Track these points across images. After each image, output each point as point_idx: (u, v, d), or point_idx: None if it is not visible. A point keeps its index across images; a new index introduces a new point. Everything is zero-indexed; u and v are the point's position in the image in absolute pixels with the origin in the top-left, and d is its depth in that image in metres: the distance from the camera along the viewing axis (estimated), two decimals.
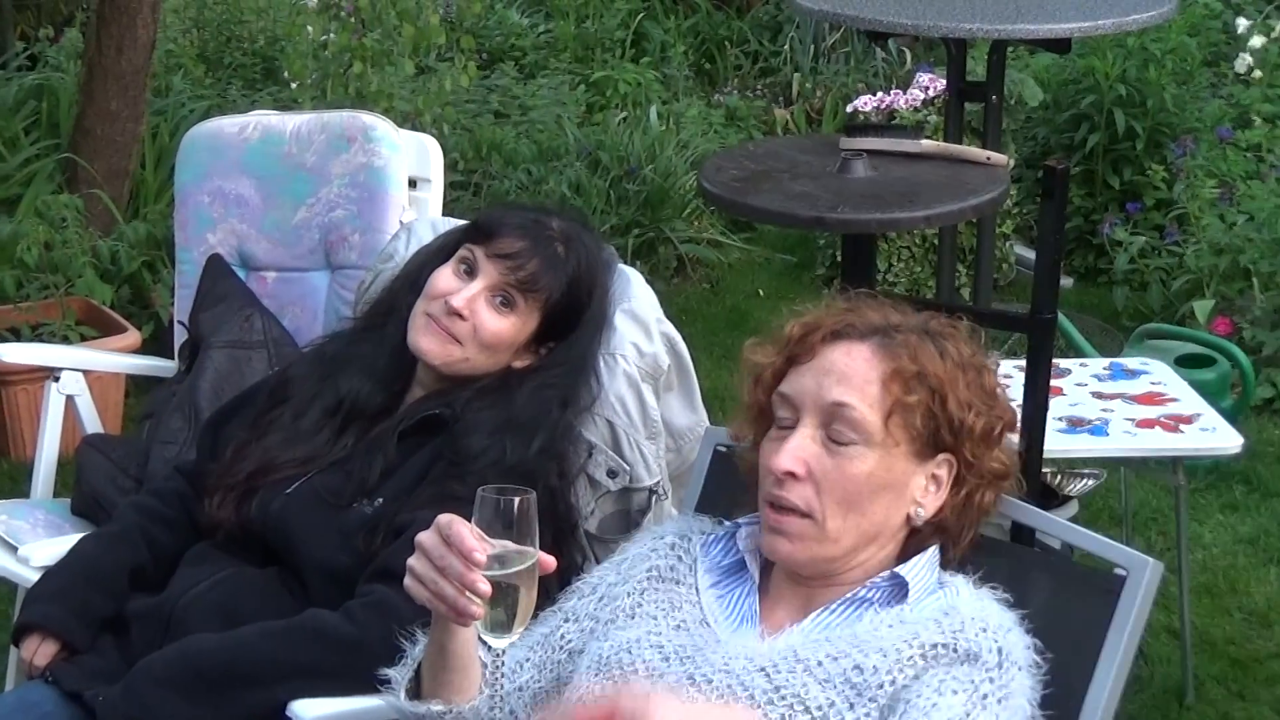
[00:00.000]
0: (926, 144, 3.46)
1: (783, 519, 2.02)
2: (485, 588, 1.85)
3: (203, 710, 2.28)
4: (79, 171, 5.11)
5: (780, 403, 2.07)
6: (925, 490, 2.05)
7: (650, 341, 2.67)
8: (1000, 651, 1.92)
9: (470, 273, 2.54)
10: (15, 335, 4.56)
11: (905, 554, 2.07)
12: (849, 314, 2.11)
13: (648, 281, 2.76)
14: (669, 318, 2.75)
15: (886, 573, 2.04)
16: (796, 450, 2.02)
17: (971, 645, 1.92)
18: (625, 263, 2.79)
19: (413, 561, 1.91)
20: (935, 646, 1.92)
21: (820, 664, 1.92)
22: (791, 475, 2.01)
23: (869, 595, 2.03)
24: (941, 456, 2.04)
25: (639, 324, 2.67)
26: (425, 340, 2.52)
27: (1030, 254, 5.56)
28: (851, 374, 2.03)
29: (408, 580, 1.92)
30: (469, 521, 1.87)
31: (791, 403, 2.05)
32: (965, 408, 2.03)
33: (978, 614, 1.95)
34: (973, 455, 2.04)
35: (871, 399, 2.01)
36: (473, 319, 2.51)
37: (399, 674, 2.09)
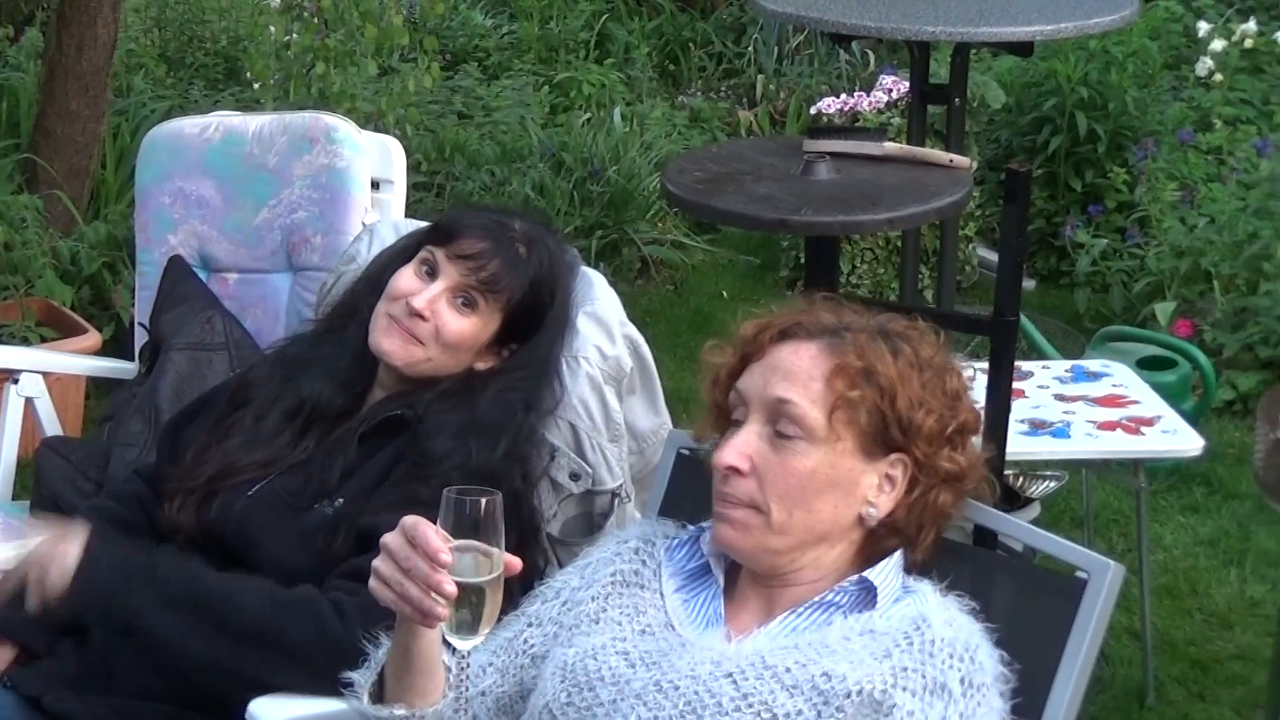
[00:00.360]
0: (889, 146, 3.46)
1: (729, 509, 2.04)
2: (451, 589, 1.84)
3: (178, 628, 2.30)
4: (39, 171, 5.07)
5: (735, 401, 2.08)
6: (878, 490, 2.05)
7: (613, 344, 2.67)
8: (964, 680, 1.92)
9: (431, 274, 2.53)
10: None
11: (864, 555, 2.07)
12: (802, 314, 2.12)
13: (611, 283, 2.76)
14: (632, 320, 2.75)
15: (855, 577, 2.04)
16: (741, 446, 2.03)
17: (939, 674, 1.91)
18: (588, 264, 2.79)
19: (377, 563, 1.91)
20: (906, 670, 1.91)
21: (788, 670, 1.92)
22: (735, 470, 2.02)
23: (837, 600, 2.03)
24: (895, 456, 2.04)
25: (602, 326, 2.67)
26: (387, 341, 2.52)
27: (993, 256, 5.58)
28: (796, 371, 2.04)
29: (372, 582, 1.91)
30: (434, 524, 1.87)
31: (743, 400, 2.07)
32: (916, 406, 2.03)
33: (947, 634, 1.94)
34: (923, 455, 2.04)
35: (814, 395, 2.02)
36: (434, 320, 2.50)
37: (362, 677, 2.08)
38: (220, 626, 2.30)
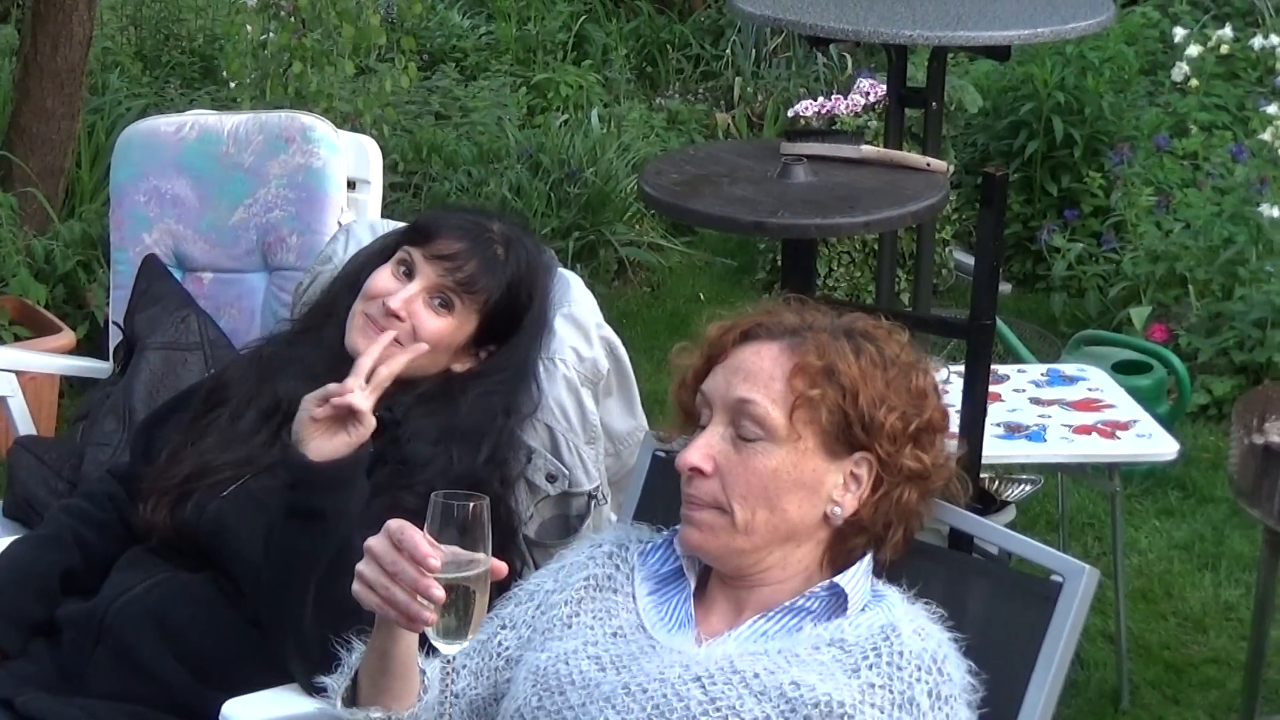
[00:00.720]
0: (867, 149, 3.47)
1: (694, 512, 2.04)
2: (440, 593, 1.83)
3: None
4: (14, 169, 5.05)
5: (700, 403, 2.09)
6: (843, 489, 2.05)
7: (590, 346, 2.66)
8: (932, 693, 1.92)
9: (408, 274, 2.53)
10: None
11: (831, 554, 2.07)
12: (765, 315, 2.13)
13: (588, 285, 2.76)
14: (609, 322, 2.75)
15: (826, 582, 2.04)
16: (704, 447, 2.04)
17: (906, 688, 1.92)
18: (566, 266, 2.79)
19: (361, 567, 1.89)
20: (873, 687, 1.91)
21: (757, 676, 1.92)
22: (699, 472, 2.03)
23: (808, 605, 2.02)
24: (859, 455, 2.04)
25: (579, 328, 2.66)
26: (363, 341, 2.50)
27: (969, 260, 5.57)
28: (757, 372, 2.04)
29: (356, 586, 1.90)
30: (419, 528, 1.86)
31: (707, 402, 2.07)
32: (878, 404, 2.03)
33: (915, 645, 1.94)
34: (887, 453, 2.04)
35: (775, 395, 2.02)
36: (411, 320, 2.50)
37: (335, 681, 2.07)
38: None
